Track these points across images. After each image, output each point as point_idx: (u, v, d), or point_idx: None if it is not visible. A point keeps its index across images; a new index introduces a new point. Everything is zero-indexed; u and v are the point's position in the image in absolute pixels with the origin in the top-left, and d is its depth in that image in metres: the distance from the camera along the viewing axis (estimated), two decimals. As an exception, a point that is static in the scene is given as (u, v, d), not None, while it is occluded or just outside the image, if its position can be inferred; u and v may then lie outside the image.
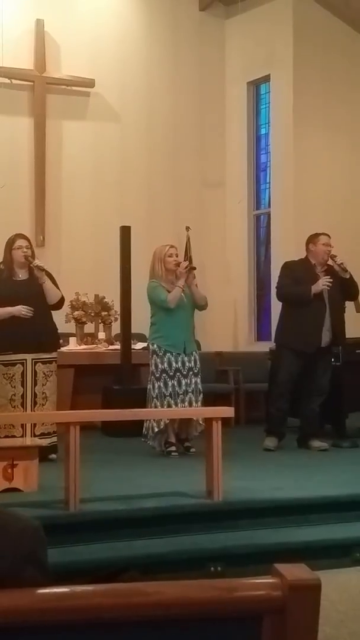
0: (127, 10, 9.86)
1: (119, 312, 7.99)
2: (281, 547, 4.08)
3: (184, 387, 6.09)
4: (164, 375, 6.08)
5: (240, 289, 10.01)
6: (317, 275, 6.41)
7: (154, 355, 6.16)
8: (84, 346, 7.99)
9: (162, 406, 6.01)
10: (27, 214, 9.19)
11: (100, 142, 9.61)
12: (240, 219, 10.15)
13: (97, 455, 5.75)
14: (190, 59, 10.10)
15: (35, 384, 5.75)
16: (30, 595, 1.21)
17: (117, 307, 8.09)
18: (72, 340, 7.98)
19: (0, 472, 4.57)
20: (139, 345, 8.05)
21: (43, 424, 5.71)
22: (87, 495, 4.36)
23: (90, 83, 9.46)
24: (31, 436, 5.57)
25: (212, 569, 3.88)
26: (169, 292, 6.11)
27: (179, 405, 6.04)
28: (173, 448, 6.14)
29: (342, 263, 6.40)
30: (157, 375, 6.10)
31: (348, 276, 6.42)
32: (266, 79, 9.95)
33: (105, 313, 8.35)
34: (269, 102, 9.97)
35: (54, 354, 5.93)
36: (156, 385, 6.09)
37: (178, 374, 6.10)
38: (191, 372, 6.15)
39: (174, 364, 6.10)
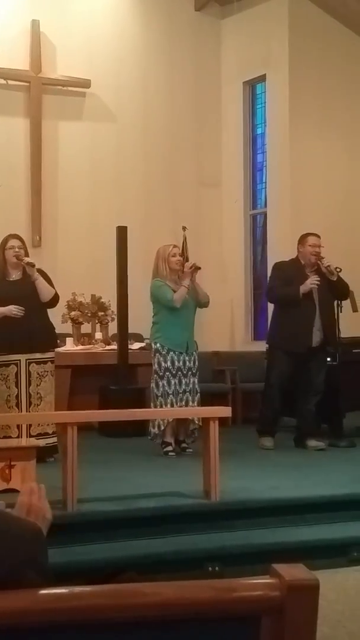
0: (122, 10, 9.86)
1: (115, 312, 7.99)
2: (278, 547, 4.09)
3: (183, 387, 6.14)
4: (167, 373, 6.12)
5: (236, 289, 10.01)
6: (307, 276, 6.44)
7: (157, 354, 6.19)
8: (80, 346, 7.99)
9: (166, 405, 6.04)
10: (24, 214, 9.18)
11: (96, 143, 9.61)
12: (237, 219, 10.15)
13: (94, 455, 5.75)
14: (186, 59, 10.10)
15: (30, 384, 5.75)
16: (29, 596, 1.21)
17: (113, 307, 8.09)
18: (69, 340, 7.98)
19: (-3, 472, 4.57)
20: (136, 345, 8.06)
21: (39, 424, 5.71)
22: (85, 495, 4.36)
23: (86, 83, 9.46)
24: (27, 437, 5.57)
25: (210, 568, 3.89)
26: (174, 291, 6.15)
27: (178, 404, 6.07)
28: (170, 448, 6.15)
29: (328, 265, 6.41)
30: (161, 373, 6.14)
31: (335, 279, 6.42)
32: (262, 78, 9.95)
33: (102, 313, 8.35)
34: (265, 102, 9.98)
35: (49, 354, 5.92)
36: (160, 384, 6.12)
37: (179, 373, 6.15)
38: (190, 372, 6.20)
39: (176, 363, 6.15)
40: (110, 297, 8.13)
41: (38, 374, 5.78)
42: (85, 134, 9.58)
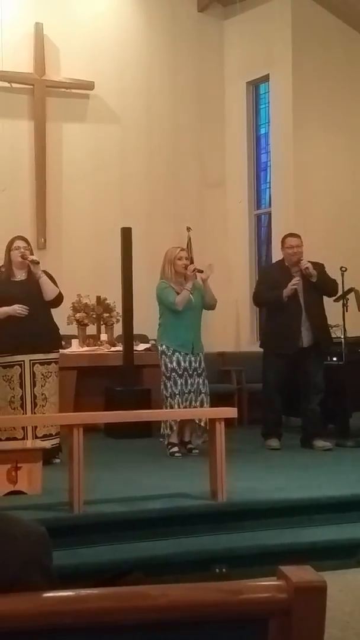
0: (125, 12, 9.86)
1: (120, 314, 7.99)
2: (286, 548, 4.08)
3: (189, 387, 6.16)
4: (174, 374, 6.15)
5: (242, 289, 10.00)
6: (293, 276, 6.47)
7: (163, 356, 6.22)
8: (86, 348, 7.99)
9: (175, 405, 6.05)
10: (28, 216, 9.20)
11: (100, 144, 9.62)
12: (241, 219, 10.15)
13: (100, 457, 5.74)
14: (189, 60, 10.10)
15: (34, 385, 5.75)
16: (34, 599, 1.20)
17: (118, 308, 8.09)
18: (75, 342, 7.99)
19: (4, 475, 4.56)
20: (141, 347, 8.05)
21: (45, 425, 5.71)
22: (91, 497, 4.35)
23: (90, 85, 9.47)
24: (32, 438, 5.57)
25: (217, 570, 3.87)
26: (178, 293, 6.16)
27: (184, 404, 6.08)
28: (176, 449, 6.16)
29: (306, 268, 6.42)
30: (168, 375, 6.17)
31: (314, 280, 6.42)
32: (265, 78, 9.95)
33: (107, 314, 8.35)
34: (269, 102, 9.97)
35: (53, 355, 5.92)
36: (168, 385, 6.16)
37: (186, 373, 6.18)
38: (195, 373, 6.21)
39: (182, 363, 6.17)
40: (115, 299, 8.13)
41: (42, 374, 5.78)
42: (89, 136, 9.59)
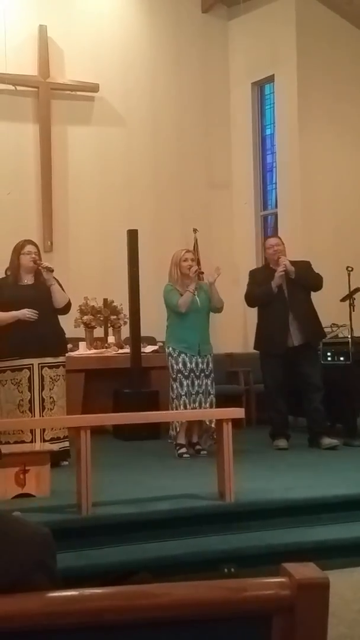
0: (129, 13, 9.87)
1: (127, 316, 8.00)
2: (294, 547, 4.08)
3: (196, 388, 6.17)
4: (180, 375, 6.17)
5: (248, 290, 9.98)
6: None
7: (170, 357, 6.26)
8: (93, 350, 8.00)
9: (181, 406, 6.06)
10: (35, 220, 9.21)
11: (105, 147, 9.63)
12: (248, 220, 10.14)
13: (108, 458, 5.76)
14: (194, 61, 10.11)
15: (43, 389, 5.77)
16: (38, 599, 1.21)
17: (126, 310, 8.10)
18: (82, 344, 8.00)
19: (12, 477, 4.58)
20: (149, 349, 8.06)
21: (52, 428, 5.72)
22: (99, 499, 4.36)
23: (95, 87, 9.48)
24: (41, 441, 5.58)
25: (225, 570, 3.87)
26: (182, 295, 6.17)
27: (191, 405, 6.09)
28: (183, 450, 6.16)
29: (284, 265, 6.44)
30: (174, 376, 6.20)
31: (293, 276, 6.46)
32: (270, 79, 9.94)
33: (114, 317, 8.36)
34: (274, 103, 9.97)
35: (60, 358, 5.94)
36: (174, 386, 6.19)
37: (192, 374, 6.19)
38: (202, 374, 6.22)
39: (188, 365, 6.20)
40: (122, 301, 8.14)
41: (51, 378, 5.80)
42: (95, 138, 9.60)
